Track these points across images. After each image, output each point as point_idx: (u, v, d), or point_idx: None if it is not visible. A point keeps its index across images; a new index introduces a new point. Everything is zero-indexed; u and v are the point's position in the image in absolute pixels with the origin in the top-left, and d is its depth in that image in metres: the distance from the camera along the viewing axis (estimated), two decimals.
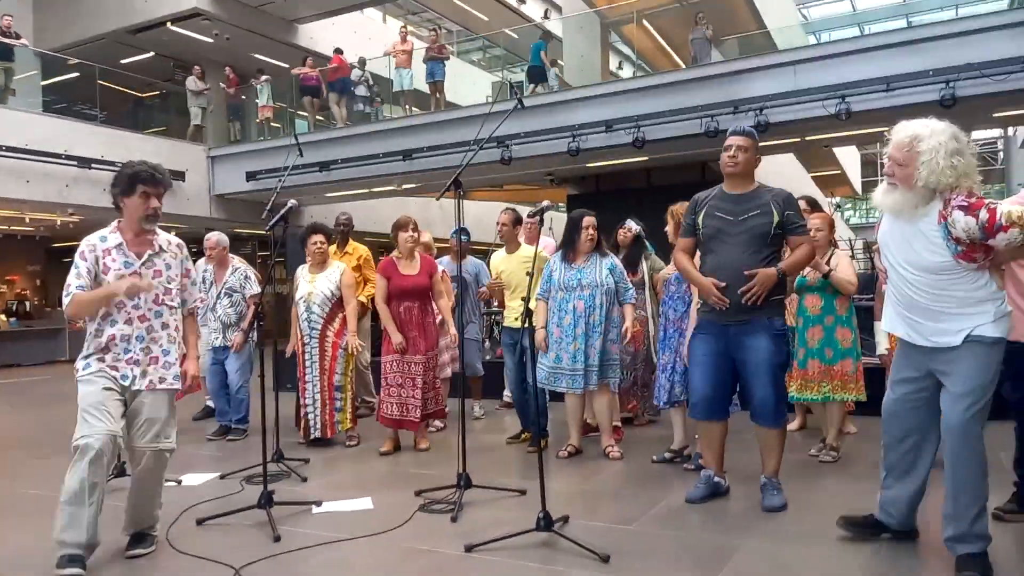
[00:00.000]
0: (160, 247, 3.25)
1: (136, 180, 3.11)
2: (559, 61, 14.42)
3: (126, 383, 3.09)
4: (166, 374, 3.19)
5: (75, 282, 3.00)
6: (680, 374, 4.41)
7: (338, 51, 14.15)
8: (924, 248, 2.66)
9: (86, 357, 3.08)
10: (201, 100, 14.48)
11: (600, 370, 4.66)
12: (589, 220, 4.79)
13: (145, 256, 3.19)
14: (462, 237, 6.02)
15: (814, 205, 5.21)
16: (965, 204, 2.56)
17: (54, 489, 4.23)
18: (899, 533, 3.06)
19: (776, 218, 3.51)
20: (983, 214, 2.51)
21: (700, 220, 3.66)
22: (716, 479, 3.78)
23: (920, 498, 3.01)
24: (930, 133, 2.64)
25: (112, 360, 3.07)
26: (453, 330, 5.21)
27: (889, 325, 2.95)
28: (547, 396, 5.10)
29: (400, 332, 5.01)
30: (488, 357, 8.08)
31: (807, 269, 4.35)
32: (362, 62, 13.91)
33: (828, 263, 4.43)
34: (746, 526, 3.39)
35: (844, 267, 4.44)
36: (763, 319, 3.51)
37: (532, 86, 12.61)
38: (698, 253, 3.80)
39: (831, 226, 4.58)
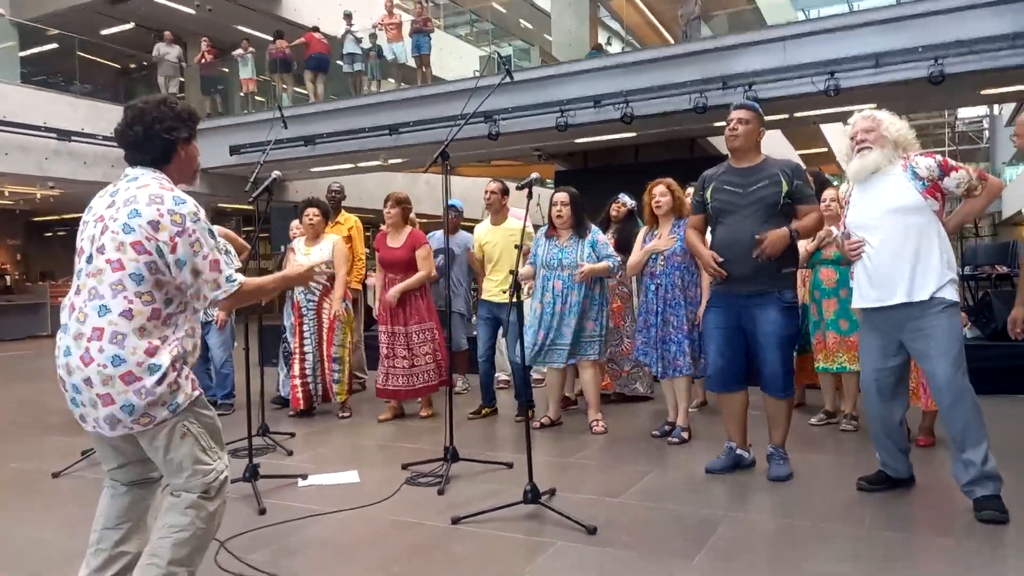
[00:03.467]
0: None
1: (196, 120, 2.29)
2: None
3: None
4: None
5: (229, 259, 2.16)
6: (679, 344, 4.38)
7: (314, 29, 13.83)
8: (896, 192, 3.13)
9: (179, 371, 2.13)
10: (167, 69, 13.90)
11: (573, 348, 4.67)
12: (558, 196, 4.79)
13: None
14: (451, 213, 6.03)
15: (820, 179, 5.01)
16: (922, 153, 3.21)
17: (38, 463, 4.23)
18: (900, 481, 3.39)
19: (785, 188, 3.52)
20: (938, 158, 3.17)
21: (709, 195, 3.66)
22: (739, 452, 3.79)
23: (906, 448, 3.37)
24: (881, 111, 3.27)
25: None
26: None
27: (859, 301, 3.27)
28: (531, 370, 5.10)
29: (383, 304, 5.23)
30: (475, 333, 8.07)
31: (821, 241, 4.39)
32: (347, 15, 13.39)
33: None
34: (736, 498, 3.42)
35: None
36: (773, 291, 3.53)
37: None
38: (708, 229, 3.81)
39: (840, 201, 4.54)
